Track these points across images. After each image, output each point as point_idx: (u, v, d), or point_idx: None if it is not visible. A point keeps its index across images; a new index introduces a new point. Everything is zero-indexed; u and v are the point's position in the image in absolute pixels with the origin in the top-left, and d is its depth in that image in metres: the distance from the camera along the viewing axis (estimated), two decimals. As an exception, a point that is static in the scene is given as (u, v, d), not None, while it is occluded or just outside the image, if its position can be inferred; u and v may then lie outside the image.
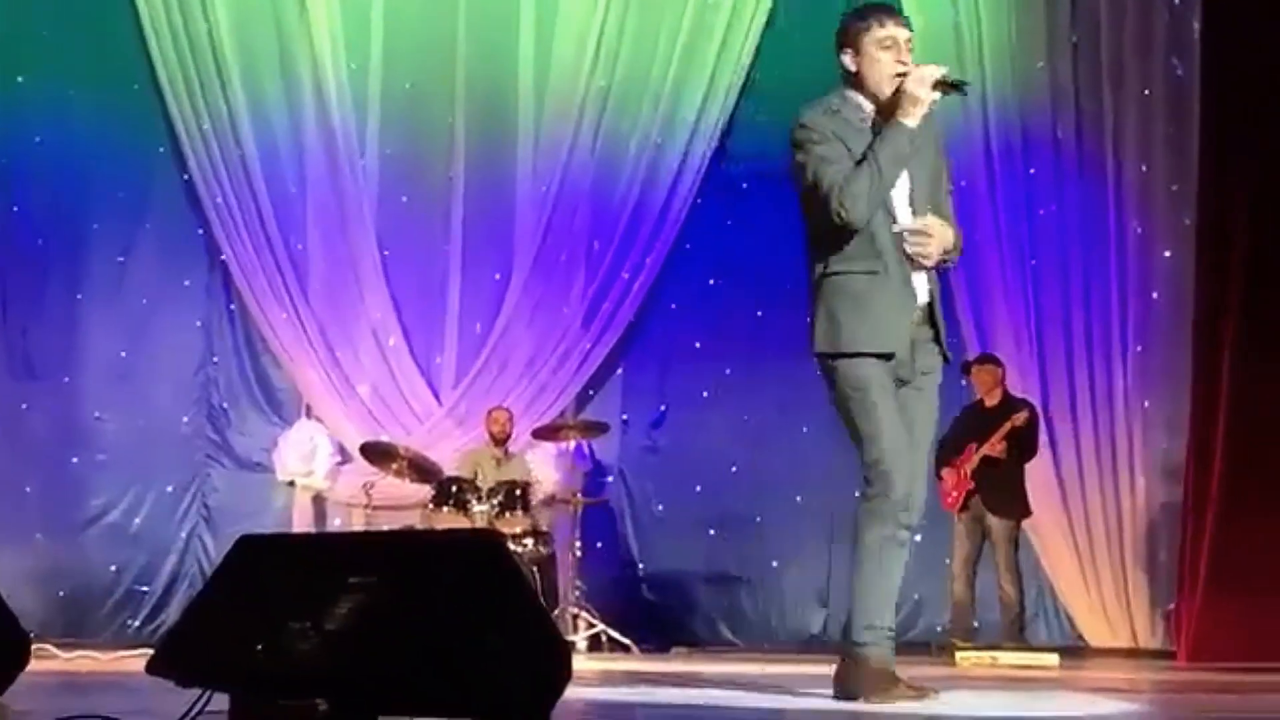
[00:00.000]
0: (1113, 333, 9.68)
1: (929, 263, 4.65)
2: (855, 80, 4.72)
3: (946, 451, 8.89)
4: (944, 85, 4.62)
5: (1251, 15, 8.82)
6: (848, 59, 4.73)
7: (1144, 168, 9.78)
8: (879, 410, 4.63)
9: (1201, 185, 9.15)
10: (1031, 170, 9.93)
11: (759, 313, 10.34)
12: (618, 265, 10.17)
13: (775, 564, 10.18)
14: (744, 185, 10.38)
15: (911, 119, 4.58)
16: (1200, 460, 8.77)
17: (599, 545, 10.08)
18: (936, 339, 4.75)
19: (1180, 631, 8.81)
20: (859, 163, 4.58)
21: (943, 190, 4.86)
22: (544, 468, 9.79)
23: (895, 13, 4.81)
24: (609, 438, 10.05)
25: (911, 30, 4.76)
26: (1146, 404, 9.60)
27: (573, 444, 9.77)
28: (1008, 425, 8.80)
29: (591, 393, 10.37)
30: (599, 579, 9.76)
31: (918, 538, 9.74)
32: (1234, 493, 8.57)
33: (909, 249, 4.62)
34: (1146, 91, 9.79)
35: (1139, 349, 9.63)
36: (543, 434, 9.62)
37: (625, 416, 10.42)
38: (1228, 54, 8.95)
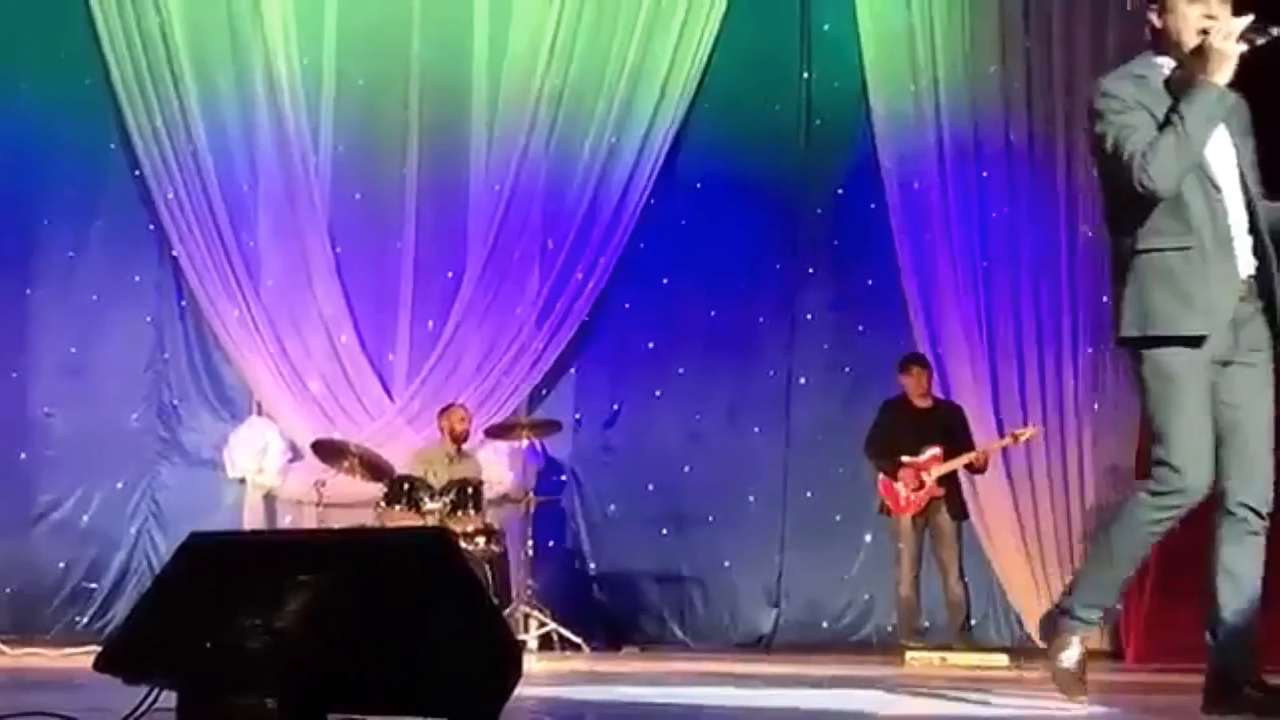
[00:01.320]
0: (1063, 335, 9.73)
1: None
2: (1160, 39, 4.38)
3: (884, 453, 8.94)
4: (1250, 35, 4.22)
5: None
6: (1154, 16, 4.40)
7: (1094, 172, 9.81)
8: (1185, 407, 4.24)
9: (1152, 189, 9.21)
10: (984, 174, 9.98)
11: (712, 313, 10.37)
12: (571, 264, 10.16)
13: (727, 564, 10.20)
14: (698, 185, 10.40)
15: (1220, 76, 4.20)
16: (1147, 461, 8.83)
17: (551, 544, 10.08)
18: (1270, 311, 4.31)
19: (1128, 632, 8.87)
20: (1162, 126, 4.22)
21: (1254, 176, 4.43)
22: (496, 466, 9.77)
23: None
24: (562, 436, 10.05)
25: None
26: (1096, 406, 9.66)
27: (525, 443, 9.76)
28: (1023, 438, 8.95)
29: (545, 391, 10.36)
30: (551, 578, 9.76)
31: (867, 538, 9.97)
32: (1181, 494, 8.63)
33: None
34: (1099, 97, 9.84)
35: (1089, 351, 9.70)
36: (495, 432, 9.62)
37: (578, 415, 10.41)
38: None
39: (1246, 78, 4.29)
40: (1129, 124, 4.26)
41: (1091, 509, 9.56)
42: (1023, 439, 9.01)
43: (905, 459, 8.88)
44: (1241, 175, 4.32)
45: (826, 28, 10.41)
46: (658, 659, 8.73)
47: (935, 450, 8.84)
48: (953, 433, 8.97)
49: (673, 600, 10.22)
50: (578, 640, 9.03)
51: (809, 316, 10.40)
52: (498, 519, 9.44)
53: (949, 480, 8.89)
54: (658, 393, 10.38)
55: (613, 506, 10.32)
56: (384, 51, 10.30)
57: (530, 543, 9.32)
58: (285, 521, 9.96)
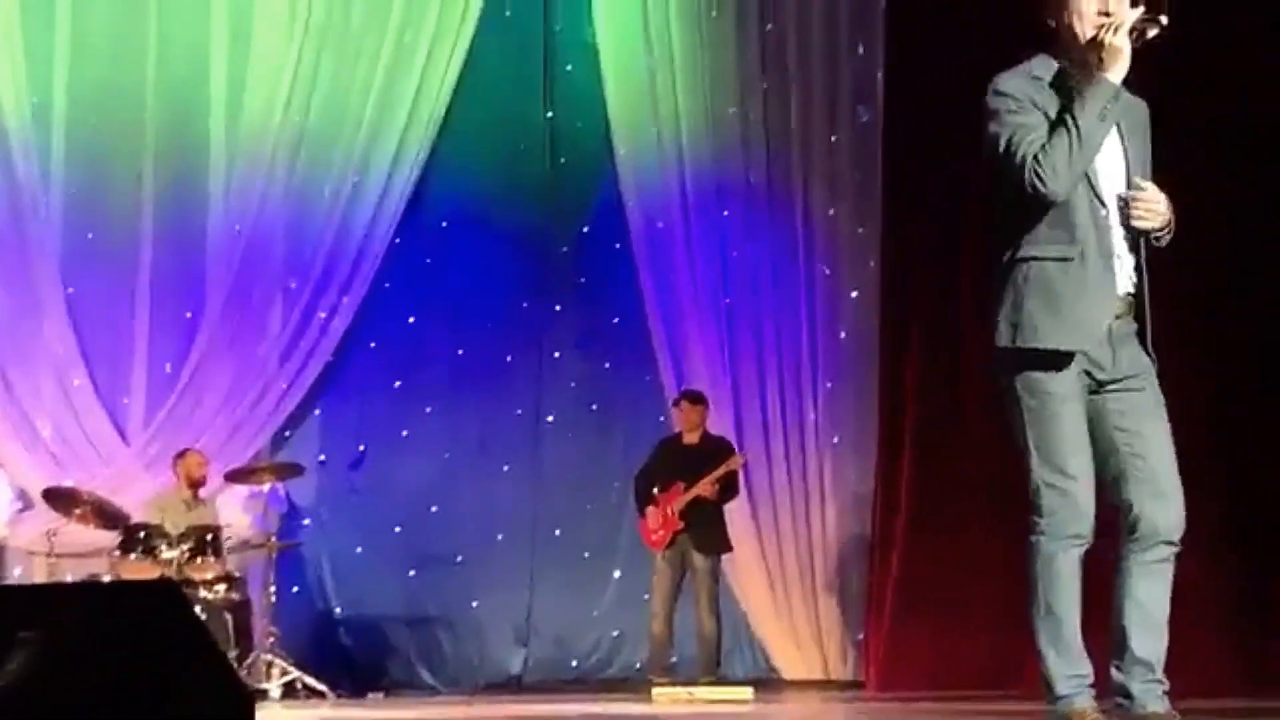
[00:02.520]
0: (803, 370, 9.95)
1: (1151, 225, 4.13)
2: (1056, 38, 4.20)
3: (648, 487, 9.00)
4: (1140, 26, 4.07)
5: (931, 66, 9.19)
6: (1049, 16, 4.21)
7: (831, 211, 10.09)
8: (1061, 421, 4.08)
9: (885, 229, 9.50)
10: (725, 213, 10.16)
11: (459, 351, 10.33)
12: (315, 304, 10.00)
13: (475, 604, 10.14)
14: (443, 224, 10.36)
15: (1114, 72, 4.05)
16: (886, 492, 9.08)
17: (295, 589, 9.88)
18: (1141, 335, 4.18)
19: (869, 661, 9.07)
20: (1053, 127, 4.05)
21: (1147, 171, 4.27)
22: (237, 511, 9.56)
23: None
24: (306, 479, 9.86)
25: None
26: (836, 439, 9.89)
27: (268, 486, 9.56)
28: (723, 469, 8.96)
29: (288, 434, 10.17)
30: (294, 624, 9.55)
31: (616, 574, 10.01)
32: (919, 524, 8.88)
33: (1133, 218, 4.12)
34: (834, 138, 10.12)
35: (829, 385, 9.92)
36: (237, 477, 9.39)
37: (323, 457, 10.25)
38: (909, 102, 9.33)
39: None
40: (1023, 124, 4.10)
41: (833, 540, 9.76)
42: (735, 465, 9.09)
43: (655, 494, 8.96)
44: (1129, 184, 4.19)
45: (569, 68, 10.50)
46: (404, 705, 8.63)
47: (679, 484, 8.92)
48: (711, 466, 8.99)
49: (420, 643, 10.11)
50: (322, 688, 8.86)
51: (556, 354, 10.44)
52: (239, 565, 9.22)
53: (703, 514, 8.92)
54: (404, 432, 10.28)
55: (359, 549, 10.18)
56: (118, 90, 9.99)
57: (273, 588, 9.11)
58: (15, 574, 9.55)
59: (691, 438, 9.20)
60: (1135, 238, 4.17)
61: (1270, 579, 8.11)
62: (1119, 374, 4.13)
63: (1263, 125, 7.90)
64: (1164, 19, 4.06)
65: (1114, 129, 4.17)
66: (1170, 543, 4.12)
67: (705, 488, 8.88)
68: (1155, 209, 4.11)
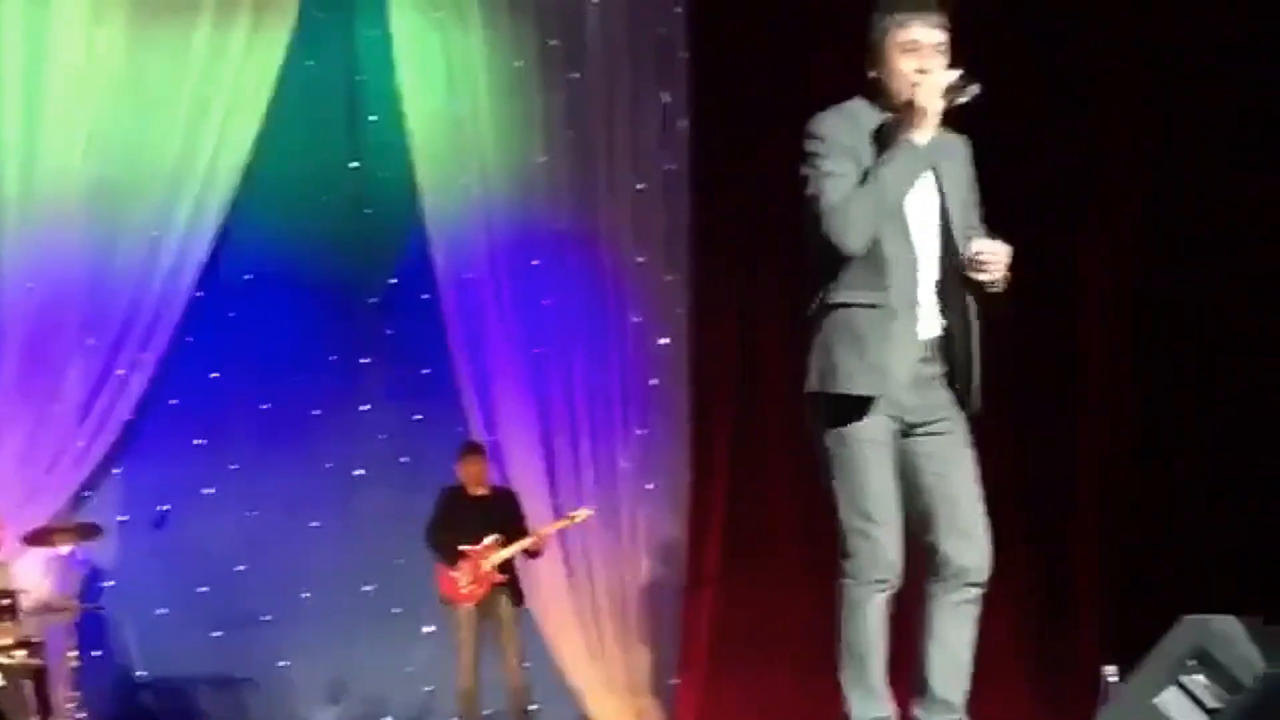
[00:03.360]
0: (615, 418, 9.96)
1: (994, 284, 4.17)
2: (874, 90, 4.22)
3: (444, 542, 8.95)
4: (952, 93, 4.09)
5: (735, 116, 9.35)
6: (869, 67, 4.23)
7: (640, 259, 10.14)
8: (866, 468, 4.10)
9: (693, 275, 9.59)
10: (534, 262, 10.14)
11: (265, 406, 10.15)
12: (113, 361, 9.74)
13: (284, 663, 9.94)
14: (246, 277, 10.19)
15: (920, 134, 4.06)
16: (698, 539, 9.15)
17: (97, 653, 9.59)
18: (950, 379, 4.19)
19: (684, 707, 9.09)
20: (862, 179, 4.07)
21: (974, 216, 4.33)
22: (35, 575, 9.25)
23: (927, 7, 4.19)
24: (108, 540, 9.60)
25: (946, 29, 4.18)
26: (649, 486, 9.91)
27: (68, 549, 9.27)
28: (570, 521, 9.03)
29: (88, 494, 9.89)
30: (98, 689, 9.27)
31: (427, 629, 9.92)
32: (731, 568, 8.97)
33: (976, 275, 4.14)
34: (641, 186, 10.18)
35: (640, 433, 9.95)
36: (35, 539, 9.10)
37: (125, 517, 9.99)
38: (714, 151, 9.47)
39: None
40: (829, 172, 4.10)
41: (646, 587, 9.78)
42: (578, 519, 9.16)
43: (464, 548, 8.90)
44: (945, 229, 4.19)
45: (374, 118, 10.41)
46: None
47: (494, 538, 8.87)
48: (509, 519, 9.05)
49: (229, 705, 9.88)
50: (127, 753, 8.62)
51: (365, 407, 10.31)
52: (38, 630, 8.92)
53: (508, 567, 8.94)
54: (209, 491, 10.07)
55: (163, 610, 9.92)
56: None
57: (74, 653, 8.84)
58: None
59: (479, 490, 9.20)
60: (948, 279, 4.18)
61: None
62: (925, 418, 4.16)
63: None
64: (976, 88, 4.08)
65: (930, 173, 4.19)
66: (975, 584, 4.18)
67: (542, 541, 8.93)
68: (998, 264, 4.15)
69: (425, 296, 10.17)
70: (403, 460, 10.26)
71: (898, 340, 4.10)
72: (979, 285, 4.20)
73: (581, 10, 10.23)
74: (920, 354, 4.15)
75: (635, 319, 10.08)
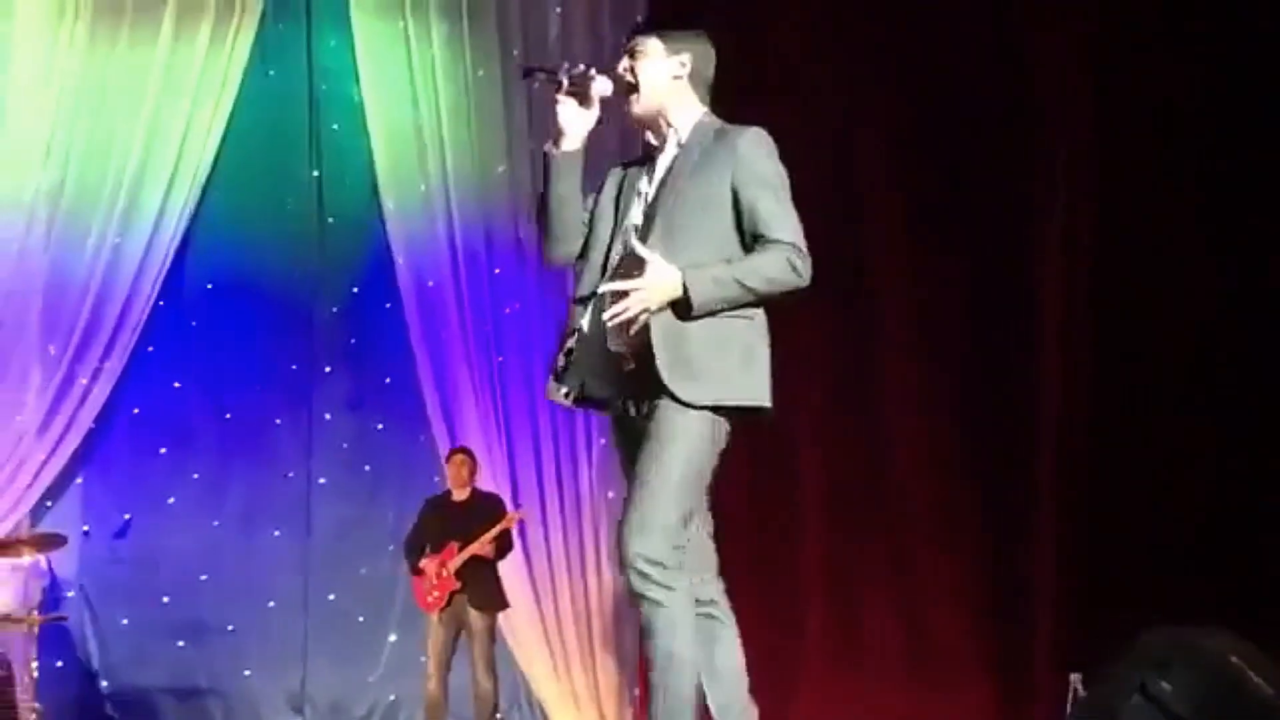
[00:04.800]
0: (577, 427, 9.96)
1: (619, 340, 4.14)
2: None
3: (420, 548, 8.92)
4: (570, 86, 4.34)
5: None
6: None
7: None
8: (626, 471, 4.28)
9: (652, 284, 9.61)
10: (496, 270, 10.15)
11: (226, 415, 10.15)
12: (74, 369, 9.72)
13: (248, 672, 9.92)
14: (208, 285, 10.19)
15: (553, 142, 4.36)
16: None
17: (60, 664, 9.57)
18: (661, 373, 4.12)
19: (645, 715, 9.10)
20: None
21: (719, 223, 4.22)
22: (-6, 586, 9.25)
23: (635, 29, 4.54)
24: (68, 550, 9.55)
25: (635, 39, 4.46)
26: (611, 494, 9.92)
27: (29, 559, 9.24)
28: (500, 526, 8.89)
29: (49, 504, 9.86)
30: (60, 699, 9.26)
31: (391, 638, 9.90)
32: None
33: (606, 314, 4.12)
34: (603, 194, 10.19)
35: (602, 442, 9.96)
36: (-6, 550, 9.08)
37: (86, 527, 9.97)
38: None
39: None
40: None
41: (609, 597, 9.79)
42: (512, 522, 9.07)
43: (428, 554, 8.88)
44: (645, 230, 4.24)
45: (335, 126, 10.41)
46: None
47: (454, 543, 8.85)
48: (484, 524, 8.91)
49: (192, 715, 9.84)
50: (90, 764, 8.60)
51: (327, 416, 10.30)
52: (-1, 641, 8.91)
53: (479, 573, 8.84)
54: (171, 500, 10.05)
55: (125, 620, 9.90)
56: None
57: (35, 664, 8.82)
58: None
59: (461, 494, 9.14)
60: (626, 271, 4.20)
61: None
62: (638, 408, 4.24)
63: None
64: (548, 73, 4.35)
65: (644, 175, 4.36)
66: (623, 566, 4.14)
67: (482, 546, 8.80)
68: (620, 315, 4.07)
69: (388, 305, 10.17)
70: (365, 468, 10.26)
71: (603, 342, 4.21)
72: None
73: (544, 20, 10.25)
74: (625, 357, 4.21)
75: (597, 326, 10.09)
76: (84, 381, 9.75)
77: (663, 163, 4.35)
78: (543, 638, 9.71)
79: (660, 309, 4.09)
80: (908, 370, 9.00)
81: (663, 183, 4.31)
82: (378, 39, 10.18)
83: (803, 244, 4.23)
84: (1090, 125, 8.64)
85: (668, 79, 4.39)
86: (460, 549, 8.81)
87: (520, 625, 9.65)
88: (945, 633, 8.69)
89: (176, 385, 10.15)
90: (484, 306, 10.11)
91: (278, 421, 10.25)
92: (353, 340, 10.37)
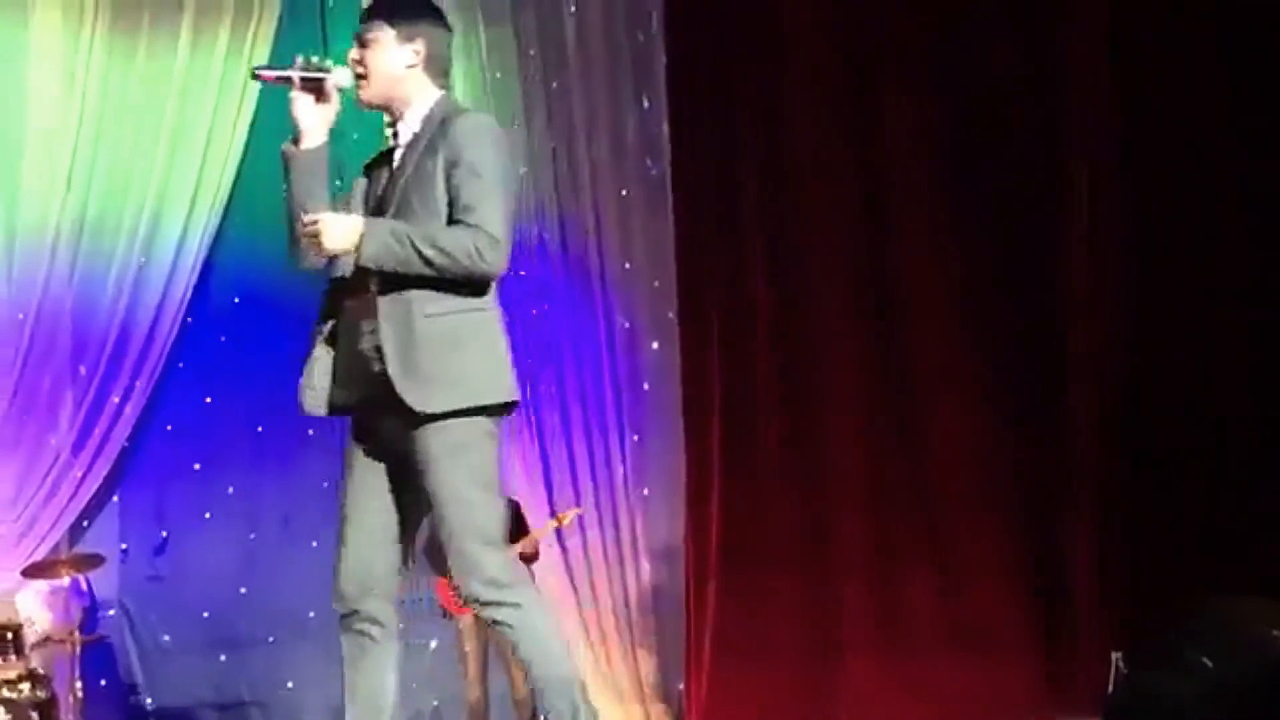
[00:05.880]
0: (609, 425, 9.95)
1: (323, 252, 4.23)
2: None
3: (440, 554, 8.89)
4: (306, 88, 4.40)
5: (715, 114, 9.38)
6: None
7: (627, 265, 10.15)
8: (343, 483, 4.32)
9: (680, 279, 9.61)
10: (521, 273, 10.14)
11: (259, 428, 10.16)
12: (106, 389, 9.75)
13: (290, 684, 9.94)
14: (235, 300, 10.20)
15: (292, 141, 4.43)
16: (697, 542, 9.16)
17: (103, 683, 9.60)
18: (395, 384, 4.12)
19: (692, 711, 9.10)
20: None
21: (437, 209, 4.24)
22: (36, 608, 9.25)
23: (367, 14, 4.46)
24: (107, 569, 9.58)
25: (366, 26, 4.42)
26: (646, 491, 9.91)
27: (68, 579, 9.28)
28: (551, 525, 8.90)
29: (86, 524, 9.90)
30: (104, 718, 9.29)
31: (431, 644, 9.90)
32: (730, 570, 8.97)
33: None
34: (624, 192, 10.18)
35: (635, 439, 9.95)
36: (34, 572, 9.09)
37: (124, 546, 10.00)
38: (696, 153, 9.49)
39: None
40: None
41: (648, 593, 9.78)
42: (568, 521, 9.09)
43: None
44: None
45: (356, 137, 10.40)
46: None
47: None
48: (514, 525, 8.92)
49: (235, 729, 9.90)
50: (136, 781, 8.62)
51: (356, 422, 10.29)
52: (43, 662, 8.93)
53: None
54: (207, 514, 10.08)
55: (166, 637, 9.93)
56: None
57: (79, 684, 8.84)
58: None
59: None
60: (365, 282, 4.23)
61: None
62: (382, 424, 4.29)
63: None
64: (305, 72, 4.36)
65: (385, 172, 4.37)
66: (468, 599, 4.28)
67: (530, 545, 8.84)
68: (316, 240, 4.18)
69: (409, 311, 10.15)
70: (397, 476, 10.24)
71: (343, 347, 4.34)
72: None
73: (559, 19, 10.24)
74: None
75: (625, 324, 10.09)
76: (116, 400, 9.78)
77: (398, 152, 4.34)
78: (583, 636, 9.70)
79: (342, 248, 4.16)
80: (942, 346, 8.96)
81: (396, 170, 4.31)
82: (395, 45, 10.17)
83: (499, 232, 4.18)
84: (1118, 118, 8.57)
85: (400, 68, 4.35)
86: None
87: (562, 624, 9.62)
88: (987, 611, 8.66)
89: (208, 400, 10.17)
90: (511, 309, 10.01)
91: (310, 432, 10.22)
92: (381, 347, 10.36)
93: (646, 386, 10.04)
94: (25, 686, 8.37)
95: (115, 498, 10.03)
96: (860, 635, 8.76)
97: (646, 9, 10.08)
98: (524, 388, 9.85)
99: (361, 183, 4.43)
